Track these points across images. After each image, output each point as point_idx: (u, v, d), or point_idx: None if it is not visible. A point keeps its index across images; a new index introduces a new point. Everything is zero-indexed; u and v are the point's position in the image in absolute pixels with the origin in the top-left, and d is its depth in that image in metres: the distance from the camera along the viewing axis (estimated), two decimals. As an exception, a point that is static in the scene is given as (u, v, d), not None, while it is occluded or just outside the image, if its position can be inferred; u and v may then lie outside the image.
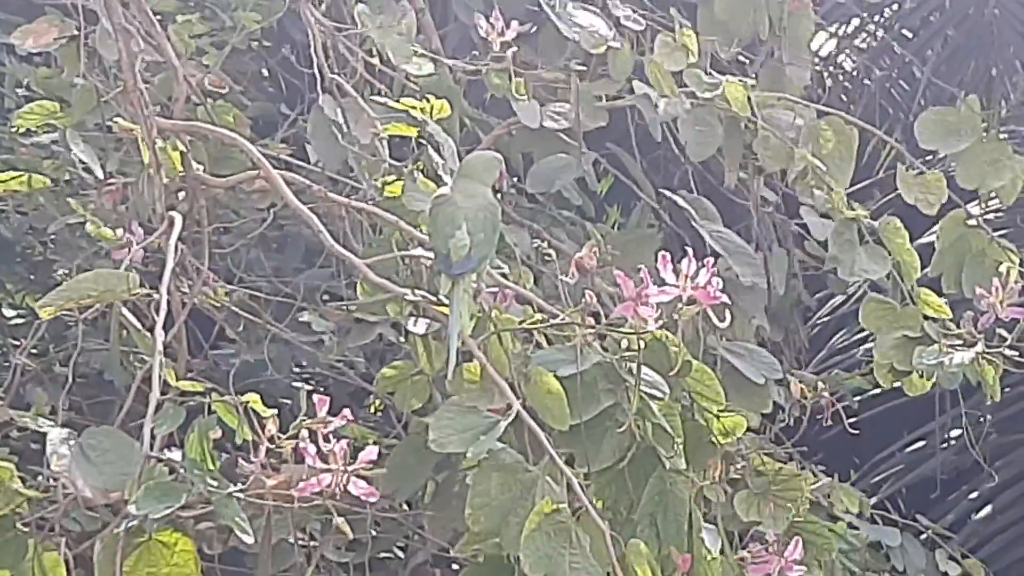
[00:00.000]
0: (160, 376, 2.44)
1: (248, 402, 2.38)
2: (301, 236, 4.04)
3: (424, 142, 3.06)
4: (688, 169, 4.07)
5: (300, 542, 3.33)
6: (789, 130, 3.56)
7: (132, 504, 2.28)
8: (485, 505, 2.56)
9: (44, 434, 2.48)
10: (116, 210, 3.29)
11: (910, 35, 5.96)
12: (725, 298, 2.70)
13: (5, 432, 3.40)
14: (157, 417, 2.40)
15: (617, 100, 3.65)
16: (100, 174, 3.17)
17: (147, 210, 3.01)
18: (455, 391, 2.70)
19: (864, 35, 6.08)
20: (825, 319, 5.29)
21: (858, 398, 3.85)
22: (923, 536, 4.38)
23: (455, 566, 3.93)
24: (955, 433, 5.02)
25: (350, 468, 2.40)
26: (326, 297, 3.94)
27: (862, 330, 4.89)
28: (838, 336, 5.20)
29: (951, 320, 3.48)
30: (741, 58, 4.38)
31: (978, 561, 4.36)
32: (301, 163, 3.37)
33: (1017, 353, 3.33)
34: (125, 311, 2.69)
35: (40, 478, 2.54)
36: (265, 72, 4.59)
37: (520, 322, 2.77)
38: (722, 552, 2.80)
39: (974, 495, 5.11)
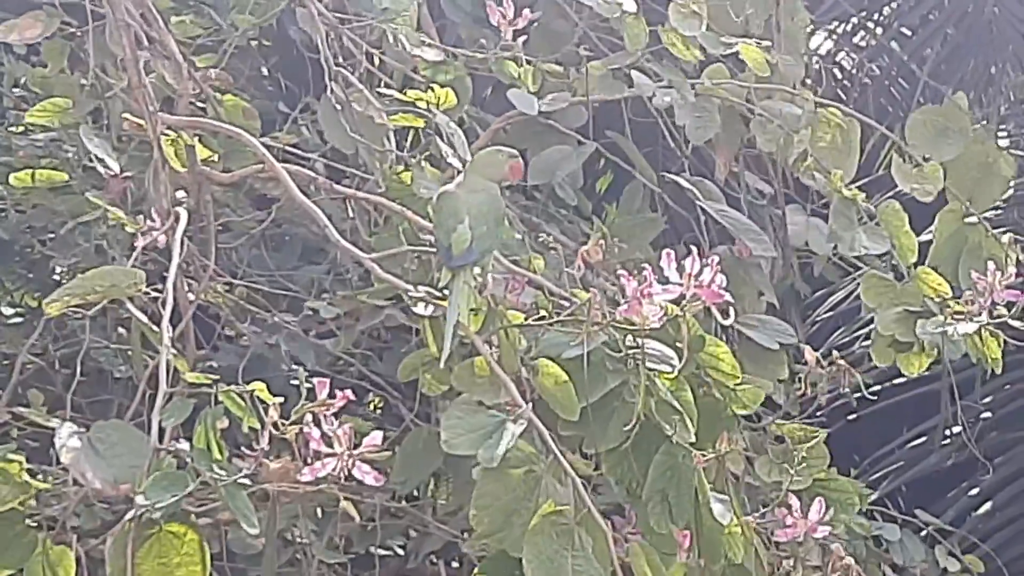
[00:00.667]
0: (169, 369, 2.45)
1: (254, 391, 2.39)
2: (299, 235, 4.04)
3: (431, 132, 3.08)
4: (684, 163, 4.08)
5: (300, 539, 3.35)
6: (788, 119, 3.57)
7: (140, 495, 2.29)
8: (489, 506, 2.57)
9: (44, 433, 2.49)
10: (123, 205, 3.30)
11: (909, 33, 5.96)
12: (729, 296, 2.70)
13: (5, 431, 3.40)
14: (165, 409, 2.41)
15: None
16: (116, 168, 3.17)
17: (153, 205, 3.00)
18: (463, 385, 2.71)
19: (863, 33, 6.09)
20: (824, 316, 5.29)
21: (858, 395, 3.83)
22: (923, 532, 4.38)
23: (456, 564, 3.93)
24: (955, 430, 5.03)
25: (355, 452, 2.41)
26: (326, 296, 3.94)
27: (861, 327, 4.91)
28: (837, 333, 5.20)
29: (951, 299, 3.49)
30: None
31: (977, 558, 4.37)
32: (305, 156, 3.39)
33: (1021, 325, 3.34)
34: (132, 308, 2.68)
35: (39, 477, 2.54)
36: (265, 72, 4.59)
37: (527, 316, 2.79)
38: (737, 520, 2.79)
39: (974, 491, 5.12)
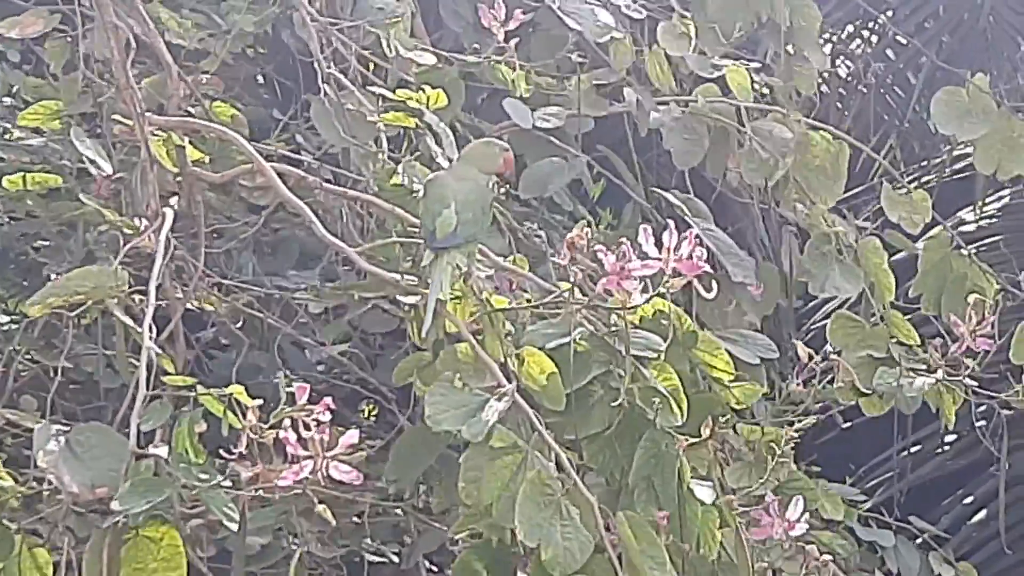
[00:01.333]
0: (152, 372, 2.44)
1: (232, 394, 2.38)
2: (295, 239, 4.04)
3: (422, 132, 3.08)
4: (684, 169, 4.07)
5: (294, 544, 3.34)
6: (777, 143, 3.56)
7: (116, 500, 2.28)
8: (476, 480, 2.57)
9: (39, 435, 2.48)
10: (114, 207, 3.29)
11: (905, 42, 5.97)
12: (708, 268, 2.67)
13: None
14: (144, 413, 2.40)
15: (612, 105, 3.66)
16: (108, 169, 3.17)
17: (142, 207, 3.00)
18: (448, 369, 2.71)
19: (859, 41, 6.09)
20: (819, 326, 5.29)
21: (853, 402, 3.83)
22: (918, 540, 4.38)
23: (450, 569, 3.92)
24: (950, 438, 5.03)
25: (330, 453, 2.39)
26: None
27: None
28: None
29: (919, 345, 3.48)
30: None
31: (971, 565, 4.36)
32: (298, 158, 3.39)
33: (977, 384, 3.34)
34: (115, 309, 2.68)
35: (32, 483, 2.54)
36: (260, 79, 4.59)
37: (511, 302, 2.80)
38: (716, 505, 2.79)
39: (969, 500, 5.12)
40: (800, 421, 3.32)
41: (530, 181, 3.67)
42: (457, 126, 3.71)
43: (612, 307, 2.66)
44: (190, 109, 3.32)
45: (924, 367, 3.40)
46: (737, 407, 2.95)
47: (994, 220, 5.22)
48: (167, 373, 2.56)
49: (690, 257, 2.63)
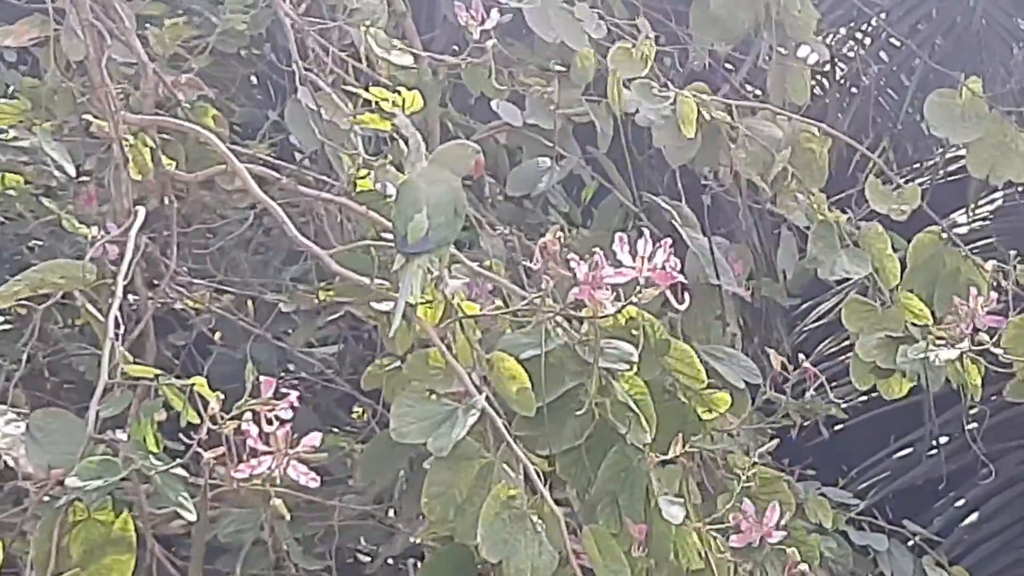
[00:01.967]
0: (114, 361, 2.42)
1: (194, 384, 2.37)
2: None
3: (396, 136, 3.07)
4: (676, 169, 4.07)
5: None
6: (769, 140, 3.56)
7: (70, 478, 2.28)
8: (441, 495, 2.55)
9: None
10: (94, 210, 3.29)
11: (898, 44, 5.97)
12: (682, 278, 2.63)
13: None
14: (104, 400, 2.39)
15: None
16: (72, 172, 3.17)
17: (115, 205, 3.00)
18: (416, 375, 2.69)
19: (852, 44, 6.09)
20: (811, 327, 5.30)
21: (845, 405, 3.83)
22: (910, 543, 4.38)
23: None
24: (942, 440, 5.03)
25: (291, 452, 2.37)
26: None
27: (848, 337, 4.90)
28: (825, 344, 5.20)
29: (933, 324, 3.48)
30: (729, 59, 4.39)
31: (964, 569, 4.37)
32: (284, 163, 3.37)
33: (1002, 352, 3.34)
34: (84, 300, 2.67)
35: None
36: (254, 80, 4.59)
37: (482, 309, 2.78)
38: (688, 521, 2.77)
39: (960, 503, 5.12)
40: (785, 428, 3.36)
41: (517, 180, 3.68)
42: (449, 125, 3.72)
43: (586, 316, 2.63)
44: (179, 111, 3.32)
45: (943, 342, 3.38)
46: (708, 417, 2.92)
47: (987, 222, 5.21)
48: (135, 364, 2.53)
49: (663, 267, 2.59)
